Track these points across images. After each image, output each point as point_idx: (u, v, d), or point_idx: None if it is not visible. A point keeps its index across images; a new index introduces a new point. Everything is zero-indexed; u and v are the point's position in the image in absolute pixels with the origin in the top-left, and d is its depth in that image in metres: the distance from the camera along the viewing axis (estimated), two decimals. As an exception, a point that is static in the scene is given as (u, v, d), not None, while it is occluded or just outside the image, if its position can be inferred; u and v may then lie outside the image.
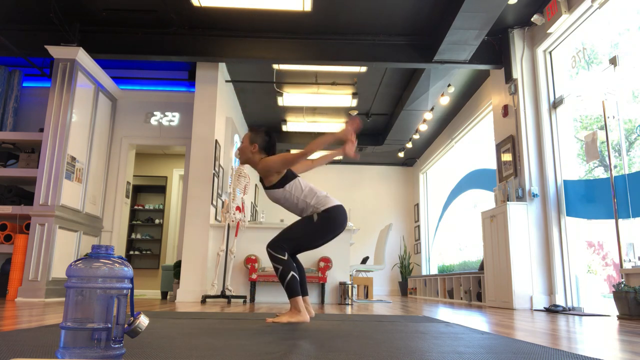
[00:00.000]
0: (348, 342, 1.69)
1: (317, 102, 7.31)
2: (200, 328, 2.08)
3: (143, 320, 1.20)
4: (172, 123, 6.48)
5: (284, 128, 8.51)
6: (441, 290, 7.28)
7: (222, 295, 4.90)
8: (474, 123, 7.05)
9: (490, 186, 6.30)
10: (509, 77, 5.29)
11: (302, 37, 5.46)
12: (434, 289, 7.73)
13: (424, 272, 9.33)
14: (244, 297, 5.07)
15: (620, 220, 3.81)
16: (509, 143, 5.30)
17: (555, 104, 5.00)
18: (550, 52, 5.10)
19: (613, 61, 3.94)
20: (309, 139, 8.79)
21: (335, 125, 8.31)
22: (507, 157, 5.37)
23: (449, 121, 7.98)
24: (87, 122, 5.64)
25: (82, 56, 5.29)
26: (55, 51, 5.18)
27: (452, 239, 8.42)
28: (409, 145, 8.69)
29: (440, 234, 9.07)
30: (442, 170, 9.03)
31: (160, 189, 8.65)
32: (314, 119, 8.10)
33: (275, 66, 6.20)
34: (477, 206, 7.15)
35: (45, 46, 5.16)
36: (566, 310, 4.18)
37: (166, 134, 6.46)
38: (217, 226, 5.56)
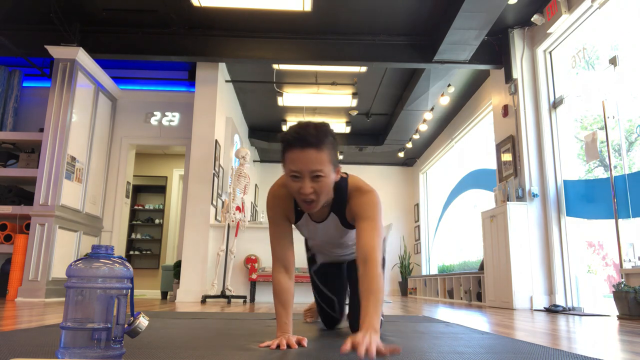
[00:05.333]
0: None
1: (317, 102, 7.31)
2: (200, 328, 2.08)
3: (143, 321, 1.20)
4: (172, 123, 6.48)
5: (284, 128, 8.50)
6: (441, 290, 7.28)
7: (222, 295, 4.90)
8: (474, 123, 7.05)
9: (490, 186, 6.30)
10: (509, 77, 5.29)
11: (302, 37, 5.46)
12: (434, 289, 7.72)
13: (424, 272, 9.33)
14: (244, 297, 5.06)
15: (620, 220, 3.81)
16: (509, 143, 5.30)
17: (555, 104, 5.00)
18: (550, 52, 5.10)
19: (613, 61, 3.94)
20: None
21: (336, 125, 8.30)
22: (507, 157, 5.37)
23: (449, 121, 7.98)
24: (87, 122, 5.64)
25: (82, 56, 5.29)
26: (55, 51, 5.18)
27: (452, 239, 8.42)
28: (409, 145, 8.69)
29: (440, 234, 9.06)
30: (442, 170, 9.03)
31: (160, 189, 8.65)
32: (314, 119, 8.09)
33: (275, 66, 6.20)
34: (477, 206, 7.15)
35: (45, 46, 5.16)
36: (566, 310, 4.18)
37: (166, 134, 6.46)
38: (217, 226, 5.56)
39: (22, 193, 5.43)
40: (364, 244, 1.49)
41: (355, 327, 1.87)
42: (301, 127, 1.46)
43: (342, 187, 1.63)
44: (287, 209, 1.66)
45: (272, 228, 1.65)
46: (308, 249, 2.09)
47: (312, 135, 1.42)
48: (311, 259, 2.11)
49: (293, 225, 1.72)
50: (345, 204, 1.65)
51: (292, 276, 1.65)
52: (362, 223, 1.54)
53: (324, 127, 1.47)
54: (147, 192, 8.69)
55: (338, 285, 2.09)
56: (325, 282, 2.07)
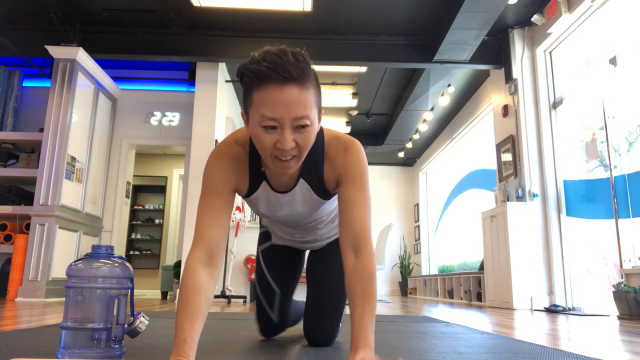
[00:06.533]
0: (348, 342, 1.69)
1: (317, 102, 7.30)
2: (200, 328, 2.08)
3: (143, 321, 1.20)
4: (172, 123, 6.48)
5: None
6: (441, 290, 7.28)
7: (222, 295, 4.90)
8: (474, 123, 7.04)
9: (490, 186, 6.30)
10: (509, 77, 5.29)
11: (302, 37, 5.46)
12: (434, 289, 7.72)
13: (424, 272, 9.33)
14: (244, 297, 5.06)
15: (620, 220, 3.81)
16: (509, 143, 5.30)
17: (555, 104, 5.00)
18: (550, 52, 5.10)
19: (613, 61, 3.94)
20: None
21: (336, 124, 8.30)
22: (507, 157, 5.37)
23: (449, 121, 7.98)
24: (87, 122, 5.64)
25: (82, 56, 5.29)
26: (55, 51, 5.17)
27: (452, 239, 8.42)
28: (409, 145, 8.69)
29: (440, 234, 9.06)
30: (442, 170, 9.03)
31: (160, 189, 8.65)
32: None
33: (275, 66, 6.19)
34: (477, 206, 7.15)
35: (45, 46, 5.16)
36: (566, 310, 4.18)
37: (166, 134, 6.46)
38: (217, 226, 5.55)
39: (22, 193, 5.43)
40: (354, 224, 1.11)
41: (311, 338, 1.53)
42: (275, 54, 1.00)
43: (317, 139, 1.18)
44: (239, 175, 1.20)
45: (206, 200, 1.14)
46: (262, 224, 1.66)
47: (294, 66, 0.98)
48: (264, 236, 1.66)
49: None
50: (321, 164, 1.20)
51: (216, 272, 1.10)
52: (349, 192, 1.14)
53: (304, 55, 1.03)
54: (147, 192, 8.69)
55: (287, 274, 1.62)
56: (270, 265, 1.60)
